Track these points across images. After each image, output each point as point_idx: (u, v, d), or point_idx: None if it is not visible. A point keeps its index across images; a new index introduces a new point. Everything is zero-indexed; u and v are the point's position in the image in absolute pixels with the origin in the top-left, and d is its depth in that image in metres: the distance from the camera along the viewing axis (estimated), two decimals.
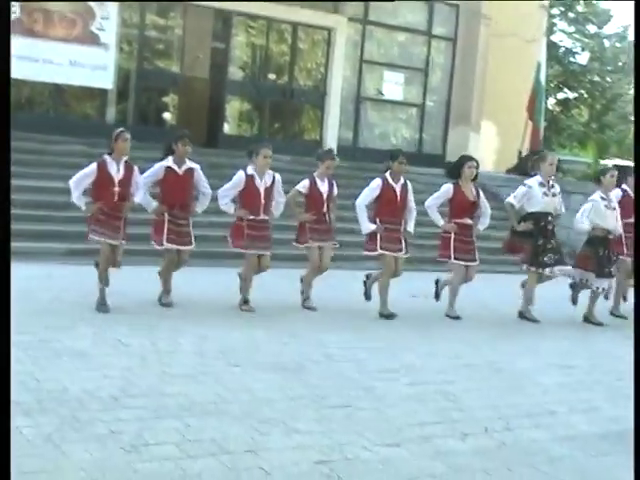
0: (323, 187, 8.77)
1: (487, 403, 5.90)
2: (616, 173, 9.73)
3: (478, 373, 6.81)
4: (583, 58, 36.77)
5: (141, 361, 6.16)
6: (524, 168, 17.67)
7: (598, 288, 9.47)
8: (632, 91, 44.89)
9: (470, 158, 9.38)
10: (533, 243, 9.07)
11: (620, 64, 37.91)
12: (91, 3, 14.94)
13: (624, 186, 10.16)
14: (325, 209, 8.79)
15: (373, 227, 8.62)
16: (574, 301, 9.79)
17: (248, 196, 8.38)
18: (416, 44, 19.77)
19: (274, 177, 8.51)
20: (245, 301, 8.45)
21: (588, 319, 9.59)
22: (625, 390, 6.67)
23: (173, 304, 8.25)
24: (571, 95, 36.40)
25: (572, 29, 35.79)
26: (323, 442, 4.69)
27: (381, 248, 8.59)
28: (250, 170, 8.38)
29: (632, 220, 9.77)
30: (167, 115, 17.83)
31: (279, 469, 4.25)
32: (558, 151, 27.09)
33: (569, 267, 9.38)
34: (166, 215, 8.13)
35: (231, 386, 5.68)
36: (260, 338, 7.31)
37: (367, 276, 9.18)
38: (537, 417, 5.68)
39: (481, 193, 9.16)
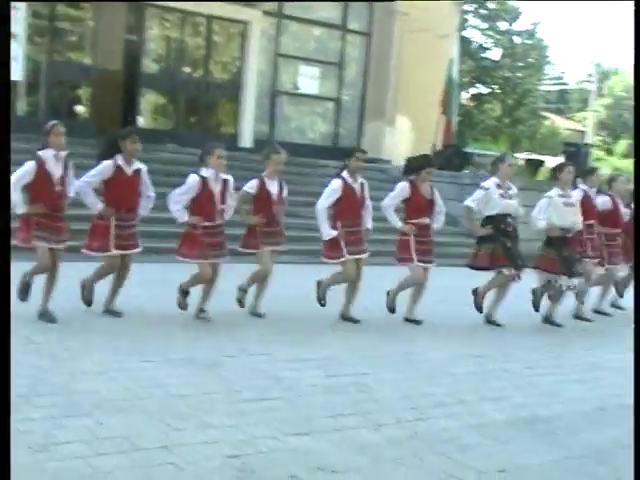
0: (273, 188, 8.20)
1: (401, 394, 5.98)
2: (572, 169, 9.45)
3: (393, 364, 6.89)
4: (495, 54, 37.59)
5: (51, 359, 6.05)
6: (438, 162, 18.03)
7: (569, 287, 9.19)
8: (542, 87, 46.06)
9: (430, 158, 9.18)
10: (502, 246, 8.81)
11: (530, 60, 38.85)
12: None
13: (582, 186, 10.02)
14: (275, 211, 8.24)
15: (335, 233, 8.19)
16: (536, 307, 9.41)
17: (202, 201, 7.70)
18: (331, 38, 19.89)
19: (226, 179, 7.89)
20: (201, 310, 7.96)
21: (549, 320, 9.44)
22: (533, 378, 6.89)
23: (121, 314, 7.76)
24: (484, 90, 37.15)
25: (484, 25, 36.43)
26: (236, 436, 4.69)
27: (347, 253, 8.22)
28: (204, 172, 7.72)
29: (593, 221, 9.88)
30: (79, 108, 17.53)
31: (192, 465, 4.24)
32: (471, 145, 27.62)
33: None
34: (112, 219, 7.50)
35: (144, 382, 5.63)
36: (175, 334, 7.25)
37: (319, 283, 8.66)
38: (449, 406, 5.78)
39: (436, 191, 8.76)
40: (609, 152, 55.52)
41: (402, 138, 19.73)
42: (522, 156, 25.99)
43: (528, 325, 9.28)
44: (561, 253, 9.11)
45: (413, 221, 8.57)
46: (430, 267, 8.70)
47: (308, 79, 19.71)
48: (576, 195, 9.64)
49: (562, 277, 9.12)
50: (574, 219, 9.28)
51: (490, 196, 8.84)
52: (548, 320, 9.44)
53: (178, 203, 7.66)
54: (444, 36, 20.74)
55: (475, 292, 9.21)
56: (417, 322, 8.70)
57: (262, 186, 8.15)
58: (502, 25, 36.78)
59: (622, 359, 7.93)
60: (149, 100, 18.44)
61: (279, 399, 5.53)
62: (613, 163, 48.46)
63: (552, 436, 5.34)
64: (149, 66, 17.76)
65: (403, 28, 19.55)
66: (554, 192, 9.22)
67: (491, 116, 36.05)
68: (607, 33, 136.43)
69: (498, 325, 9.02)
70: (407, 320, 8.73)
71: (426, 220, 8.63)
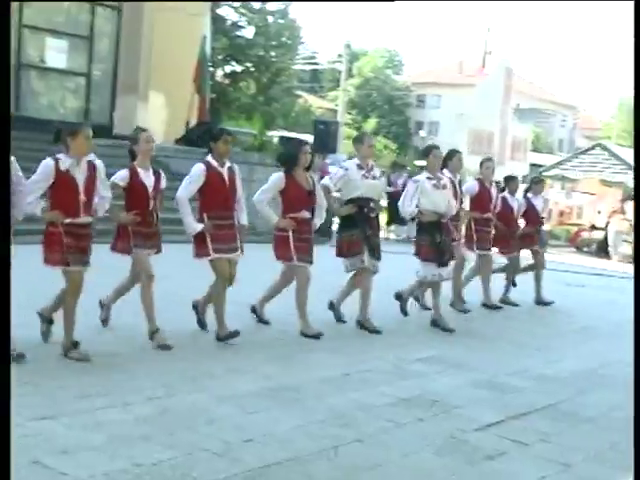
0: (148, 179, 6.89)
1: (151, 370, 5.99)
2: (439, 152, 8.83)
3: (143, 342, 6.84)
4: (249, 32, 37.90)
5: None
6: (191, 139, 18.04)
7: (440, 276, 8.66)
8: (296, 66, 47.12)
9: (304, 142, 8.30)
10: (361, 234, 8.10)
11: (284, 40, 39.62)
12: None
13: (446, 171, 9.30)
14: (151, 207, 6.93)
15: (201, 227, 7.04)
16: (404, 312, 9.07)
17: (62, 192, 6.15)
18: (81, 11, 19.22)
19: (95, 165, 6.33)
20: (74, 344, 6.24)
21: (436, 324, 8.77)
22: (281, 349, 7.11)
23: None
24: (238, 68, 37.39)
25: (237, 4, 36.67)
26: None
27: (214, 251, 7.07)
28: (62, 158, 6.15)
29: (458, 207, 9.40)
30: None
31: None
32: (227, 123, 27.76)
33: None
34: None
35: None
36: None
37: (195, 306, 7.68)
38: (199, 381, 5.86)
39: (317, 182, 7.95)
40: (359, 130, 57.87)
41: (156, 114, 19.45)
42: (276, 133, 26.49)
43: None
44: (434, 240, 8.52)
45: (291, 215, 7.68)
46: (309, 267, 7.78)
47: (56, 52, 18.95)
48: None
49: (432, 265, 8.54)
50: (446, 204, 8.68)
51: (350, 176, 8.18)
52: (435, 323, 8.82)
53: (30, 194, 6.05)
54: (197, 14, 20.68)
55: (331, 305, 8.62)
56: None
57: (134, 177, 6.85)
58: (255, 4, 37.22)
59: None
60: None
61: (25, 384, 5.33)
62: None
63: (298, 403, 5.56)
64: None
65: (155, 4, 19.25)
66: (422, 176, 8.68)
67: (246, 94, 36.43)
68: (357, 15, 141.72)
69: (377, 332, 8.23)
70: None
71: (305, 214, 7.73)
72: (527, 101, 68.79)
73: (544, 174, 24.69)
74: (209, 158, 7.20)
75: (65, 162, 6.12)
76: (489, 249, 10.35)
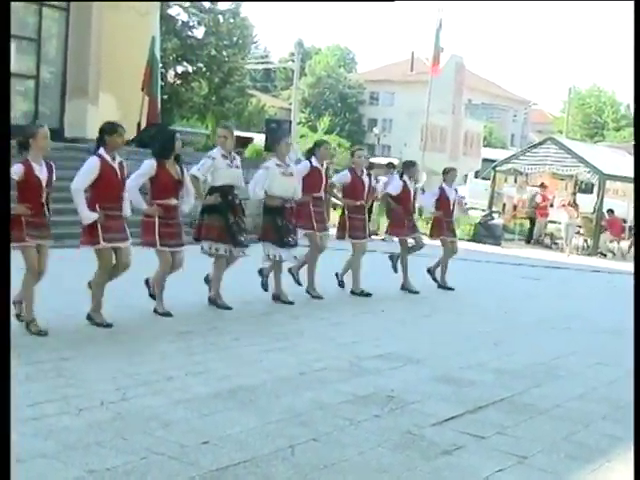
0: (41, 172, 7.09)
1: (105, 376, 5.89)
2: (290, 141, 9.67)
3: (96, 345, 6.77)
4: (200, 32, 37.65)
5: None
6: (143, 140, 17.86)
7: (280, 257, 9.31)
8: (248, 65, 46.95)
9: (175, 131, 8.75)
10: (224, 221, 8.64)
11: (235, 39, 39.44)
12: None
13: (314, 160, 10.12)
14: (43, 199, 7.15)
15: (95, 216, 7.31)
16: (265, 288, 9.63)
17: (27, 189, 7.00)
18: (28, 13, 18.93)
19: (51, 165, 7.19)
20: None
21: (278, 298, 9.51)
22: (237, 350, 7.07)
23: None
24: (190, 68, 37.12)
25: (187, 4, 36.39)
26: None
27: (104, 240, 7.36)
28: (29, 157, 6.98)
29: (320, 194, 10.07)
30: None
31: None
32: (179, 123, 27.60)
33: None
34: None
35: None
36: None
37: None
38: (154, 384, 5.79)
39: (185, 171, 8.31)
40: (313, 128, 57.94)
41: (107, 116, 19.17)
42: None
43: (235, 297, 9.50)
44: (276, 222, 9.18)
45: (159, 202, 8.05)
46: (180, 250, 8.20)
47: None
48: (301, 168, 9.95)
49: (270, 245, 9.21)
50: (292, 190, 9.36)
51: (217, 165, 8.71)
52: (276, 297, 9.52)
53: None
54: (146, 14, 20.48)
55: (206, 279, 9.10)
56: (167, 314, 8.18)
57: (28, 170, 7.02)
58: (205, 4, 36.94)
59: (317, 326, 8.40)
60: None
61: None
62: (316, 138, 50.56)
63: (254, 404, 5.53)
64: None
65: (102, 4, 19.03)
66: (271, 163, 9.34)
67: (198, 94, 36.13)
68: (308, 13, 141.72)
69: (227, 308, 8.78)
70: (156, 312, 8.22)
71: (173, 201, 8.15)
72: (479, 96, 69.48)
73: (497, 169, 24.90)
74: (102, 152, 7.49)
75: (29, 161, 6.94)
76: (363, 237, 10.62)
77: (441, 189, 11.93)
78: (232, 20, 38.94)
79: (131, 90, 19.65)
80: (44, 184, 7.12)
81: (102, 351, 6.66)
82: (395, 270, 11.43)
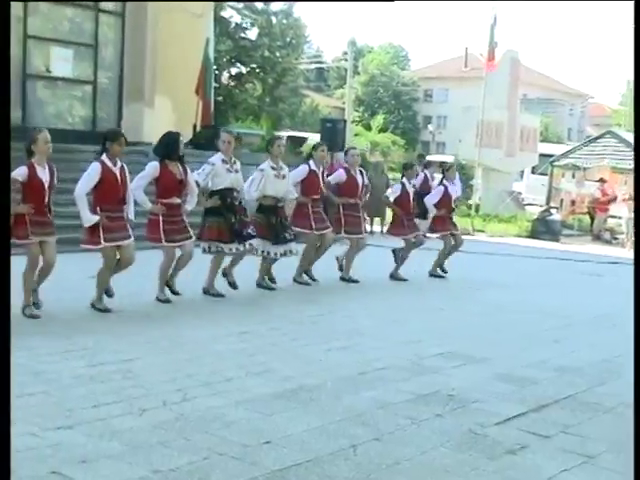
0: (44, 175, 7.75)
1: (166, 377, 5.95)
2: (283, 142, 10.22)
3: (158, 348, 6.84)
4: (253, 34, 37.86)
5: None
6: (199, 142, 18.03)
7: (276, 254, 9.85)
8: (301, 65, 47.07)
9: (178, 133, 9.08)
10: (224, 221, 9.09)
11: (288, 39, 39.55)
12: None
13: (312, 162, 10.54)
14: (47, 199, 7.81)
15: (96, 218, 7.90)
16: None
17: (31, 190, 7.67)
18: (85, 19, 19.21)
19: (53, 167, 7.87)
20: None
21: (262, 284, 10.06)
22: (298, 350, 7.07)
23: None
24: (244, 70, 37.36)
25: (241, 5, 36.61)
26: None
27: (105, 240, 7.95)
28: (34, 160, 7.66)
29: (317, 196, 10.48)
30: None
31: None
32: (234, 124, 27.78)
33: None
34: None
35: None
36: None
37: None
38: (214, 385, 5.82)
39: (189, 171, 8.81)
40: (367, 127, 57.79)
41: (163, 119, 19.40)
42: (284, 134, 26.48)
43: (291, 298, 9.52)
44: (269, 220, 9.71)
45: (163, 201, 8.60)
46: (187, 243, 8.74)
47: (62, 62, 18.94)
48: (300, 171, 10.41)
49: (267, 243, 9.72)
50: (284, 190, 9.90)
51: (217, 171, 9.12)
52: (261, 285, 10.07)
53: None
54: (200, 15, 20.65)
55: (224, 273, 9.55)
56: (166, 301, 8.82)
57: (32, 173, 7.67)
58: (258, 5, 37.14)
59: (378, 325, 8.37)
60: None
61: (38, 394, 5.34)
62: (370, 137, 50.50)
63: (315, 404, 5.53)
64: None
65: (157, 8, 19.23)
66: (266, 165, 9.76)
67: (252, 95, 36.37)
68: (361, 12, 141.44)
69: (220, 295, 9.28)
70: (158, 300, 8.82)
71: (176, 200, 8.68)
72: (535, 91, 68.57)
73: (555, 164, 24.57)
74: (104, 158, 8.01)
75: (34, 164, 7.63)
76: (359, 232, 11.12)
77: (444, 186, 12.18)
78: (285, 21, 39.08)
79: (186, 92, 19.83)
80: (47, 186, 7.75)
81: (162, 352, 6.72)
82: (400, 262, 11.82)
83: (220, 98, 29.07)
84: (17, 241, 7.49)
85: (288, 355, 6.88)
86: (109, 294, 8.37)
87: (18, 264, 7.52)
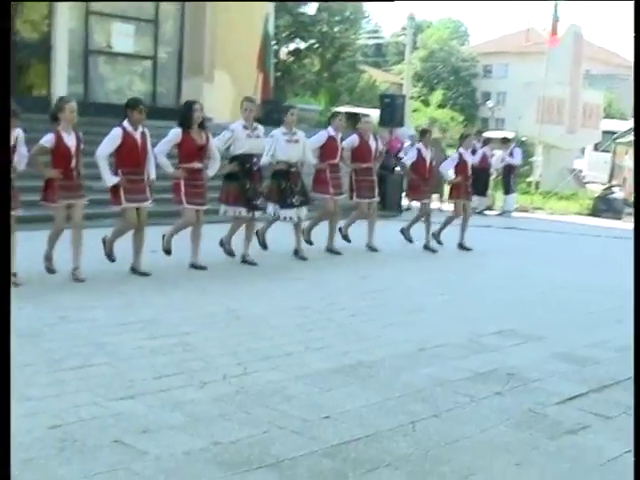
0: (70, 141, 8.11)
1: (226, 350, 6.00)
2: (295, 110, 10.38)
3: (217, 322, 6.90)
4: (312, 9, 37.73)
5: None
6: (258, 117, 18.03)
7: (286, 218, 10.11)
8: (359, 41, 46.77)
9: (194, 102, 9.29)
10: (241, 186, 9.42)
11: (346, 15, 39.32)
12: None
13: (331, 128, 10.88)
14: (74, 164, 8.15)
15: (117, 179, 8.36)
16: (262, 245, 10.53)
17: (59, 156, 8.08)
18: None
19: (79, 135, 8.22)
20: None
21: (260, 242, 10.46)
22: (355, 326, 7.07)
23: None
24: (302, 45, 37.28)
25: None
26: (57, 406, 4.58)
27: (126, 200, 8.41)
28: (60, 128, 8.04)
29: (336, 161, 10.86)
30: None
31: (11, 438, 4.10)
32: (292, 100, 27.76)
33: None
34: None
35: None
36: None
37: (104, 240, 8.91)
38: (274, 359, 5.86)
39: (210, 138, 9.13)
40: (425, 103, 57.30)
41: (222, 94, 19.51)
42: (342, 109, 26.39)
43: (343, 275, 9.53)
44: (280, 185, 9.96)
45: (184, 165, 8.96)
46: (203, 209, 9.13)
47: (123, 37, 19.11)
48: (320, 137, 10.71)
49: (276, 206, 10.03)
50: (297, 156, 10.08)
51: (237, 136, 9.41)
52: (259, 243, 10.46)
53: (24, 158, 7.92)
54: None
55: (221, 242, 9.95)
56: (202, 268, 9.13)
57: (59, 139, 8.07)
58: None
59: (435, 301, 8.33)
60: None
61: (101, 365, 5.43)
62: (429, 113, 50.07)
63: (374, 379, 5.53)
64: None
65: None
66: (277, 132, 9.99)
67: (310, 70, 36.31)
68: None
69: (253, 264, 9.56)
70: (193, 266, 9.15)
71: (197, 165, 9.02)
72: (598, 67, 67.16)
73: (618, 141, 24.11)
74: (125, 123, 8.43)
75: (60, 132, 8.01)
76: (371, 196, 11.42)
77: (459, 154, 12.34)
78: None
79: (246, 67, 19.85)
80: (73, 151, 8.10)
81: (222, 327, 6.78)
82: (410, 240, 12.09)
83: (279, 73, 29.09)
84: (45, 203, 8.17)
85: (345, 331, 6.89)
86: (112, 259, 8.82)
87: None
